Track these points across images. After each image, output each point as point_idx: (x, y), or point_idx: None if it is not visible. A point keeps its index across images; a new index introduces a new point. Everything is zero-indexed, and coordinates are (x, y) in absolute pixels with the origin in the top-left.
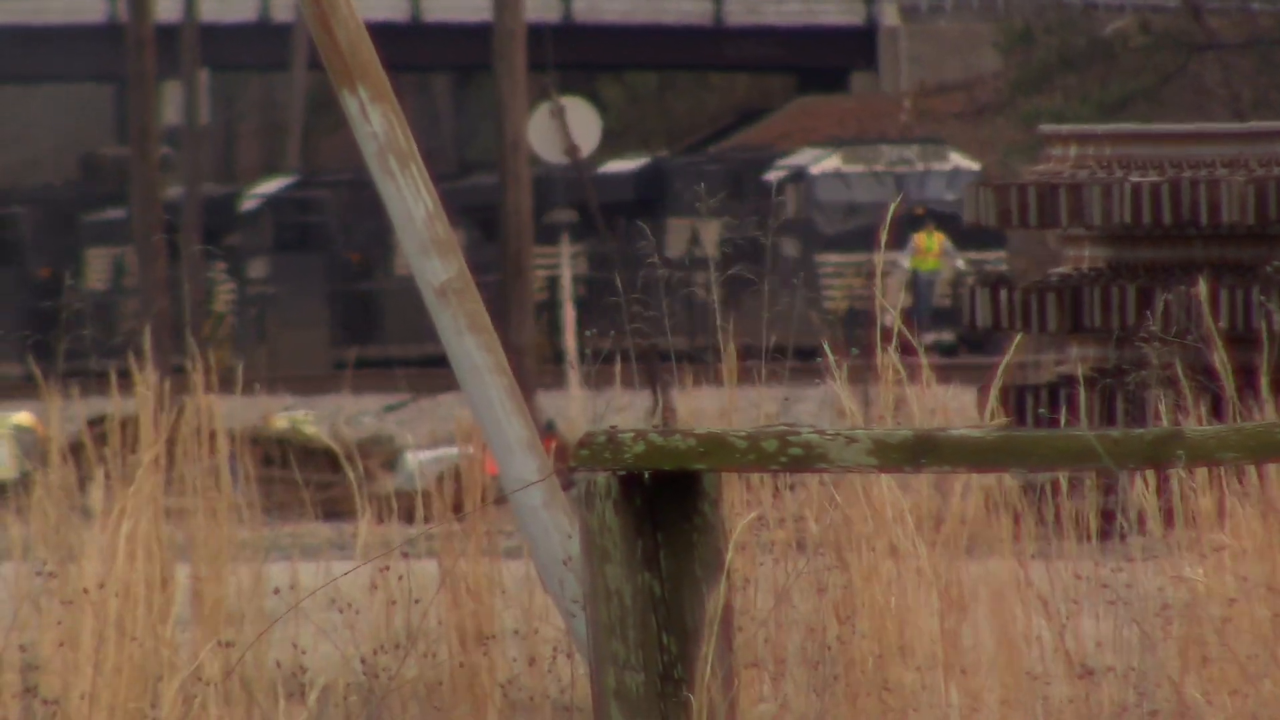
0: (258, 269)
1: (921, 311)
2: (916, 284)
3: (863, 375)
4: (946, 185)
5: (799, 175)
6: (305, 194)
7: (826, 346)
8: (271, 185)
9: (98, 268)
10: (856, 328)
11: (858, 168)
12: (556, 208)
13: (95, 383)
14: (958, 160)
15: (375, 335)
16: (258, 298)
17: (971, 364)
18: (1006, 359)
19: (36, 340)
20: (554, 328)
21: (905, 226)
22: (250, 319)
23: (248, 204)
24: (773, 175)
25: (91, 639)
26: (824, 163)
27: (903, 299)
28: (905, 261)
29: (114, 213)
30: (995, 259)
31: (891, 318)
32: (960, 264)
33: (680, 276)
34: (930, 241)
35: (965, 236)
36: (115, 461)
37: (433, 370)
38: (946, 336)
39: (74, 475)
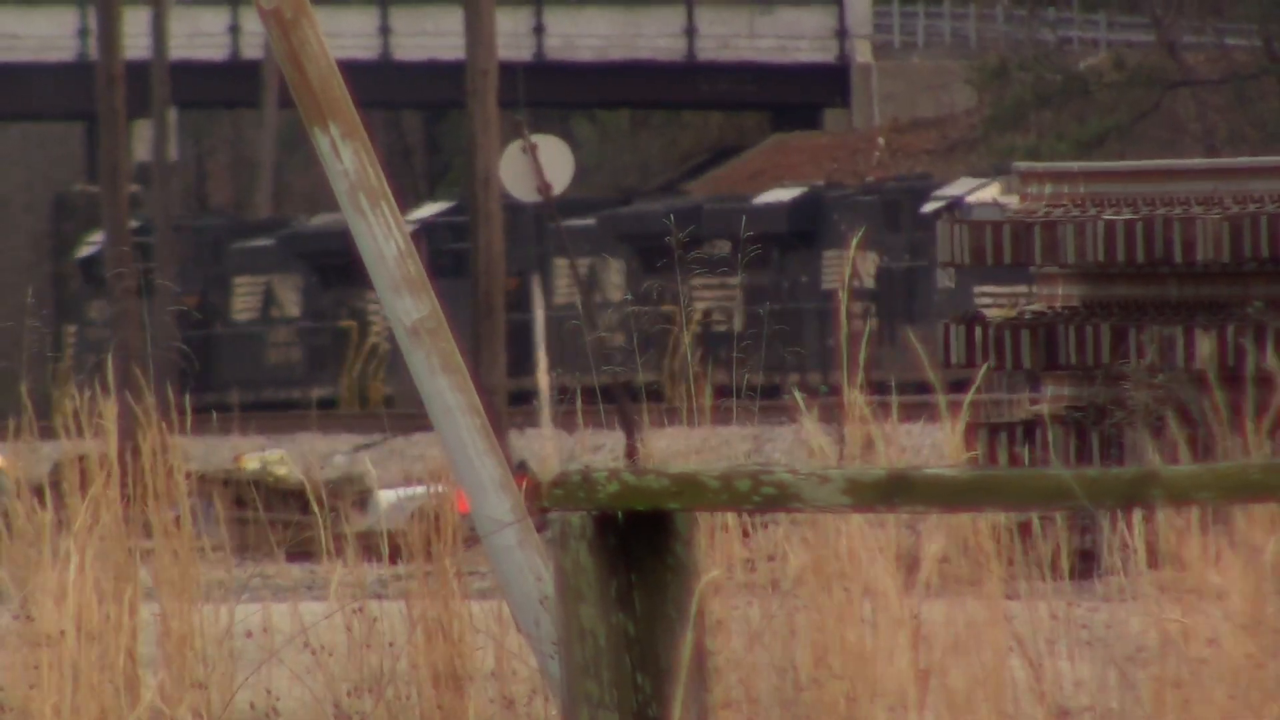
0: None
1: None
2: None
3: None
4: None
5: (956, 205)
6: (459, 219)
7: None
8: (426, 211)
9: (243, 296)
10: None
11: (1015, 198)
12: (712, 239)
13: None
14: None
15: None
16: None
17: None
18: (969, 397)
19: (181, 373)
20: (707, 362)
21: None
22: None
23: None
24: (929, 206)
25: (60, 680)
26: (981, 192)
27: None
28: None
29: (261, 241)
30: None
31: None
32: None
33: (833, 309)
34: None
35: None
36: (75, 501)
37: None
38: None
39: (44, 516)
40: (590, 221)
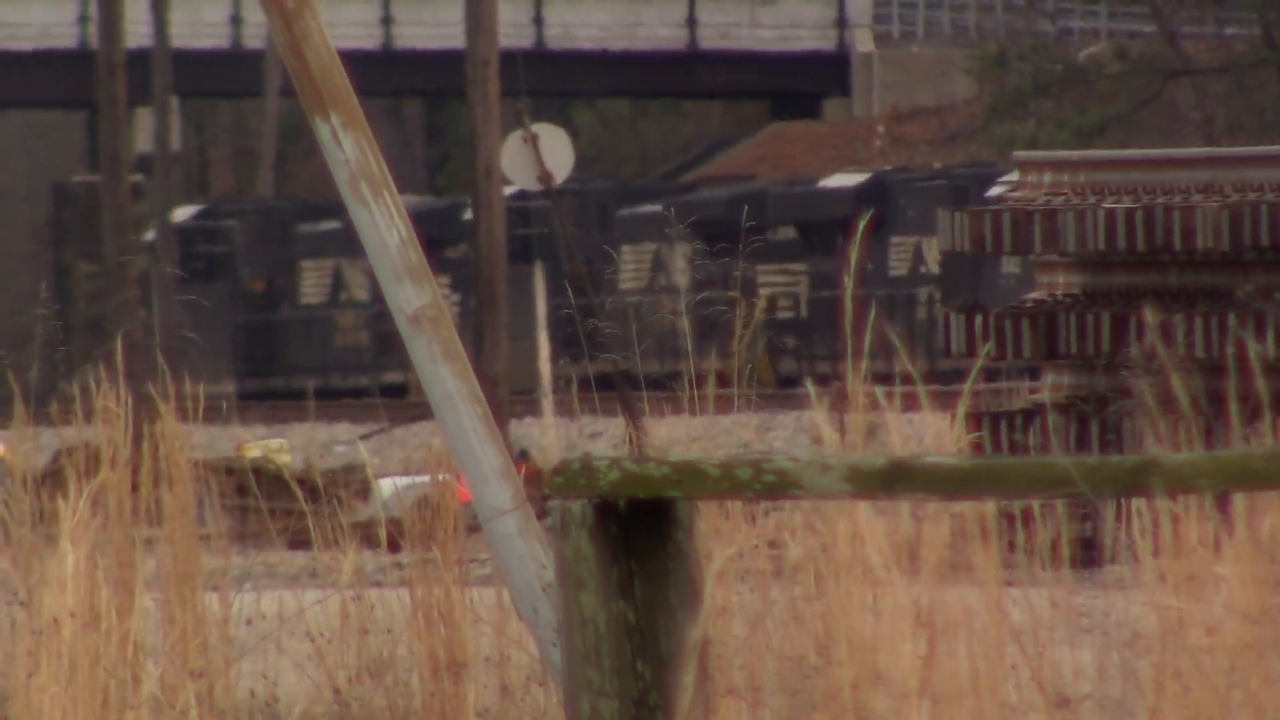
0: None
1: None
2: None
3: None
4: None
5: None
6: (526, 204)
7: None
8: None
9: (311, 280)
10: None
11: None
12: (778, 225)
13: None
14: None
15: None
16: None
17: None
18: (968, 386)
19: (249, 356)
20: (773, 349)
21: None
22: (468, 329)
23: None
24: (996, 190)
25: (60, 669)
26: None
27: None
28: None
29: (329, 224)
30: None
31: None
32: None
33: (906, 295)
34: None
35: None
36: (82, 488)
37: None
38: None
39: (42, 503)
40: (655, 207)
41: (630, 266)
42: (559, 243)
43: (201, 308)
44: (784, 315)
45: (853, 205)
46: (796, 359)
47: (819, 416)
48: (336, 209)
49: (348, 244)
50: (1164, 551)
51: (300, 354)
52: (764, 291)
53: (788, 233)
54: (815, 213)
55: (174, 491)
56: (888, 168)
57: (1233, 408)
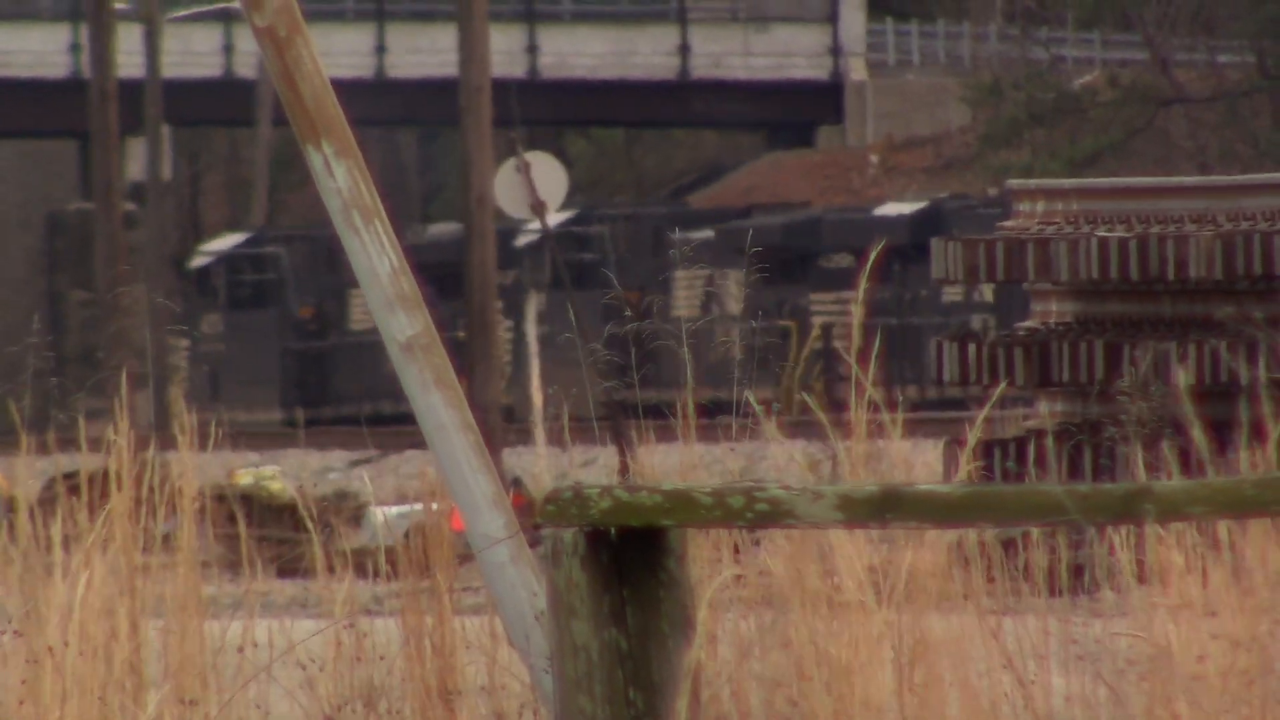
0: (539, 302)
1: None
2: None
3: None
4: None
5: None
6: (583, 229)
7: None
8: (557, 219)
9: (361, 307)
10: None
11: None
12: (833, 252)
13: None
14: None
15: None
16: (539, 335)
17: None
18: (984, 413)
19: (298, 383)
20: (829, 375)
21: None
22: (531, 354)
23: (524, 239)
24: None
25: (54, 697)
26: None
27: None
28: None
29: None
30: None
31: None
32: None
33: (960, 323)
34: None
35: None
36: (82, 516)
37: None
38: None
39: (36, 530)
40: (709, 233)
41: (683, 292)
42: (610, 268)
43: (249, 335)
44: (838, 343)
45: (908, 232)
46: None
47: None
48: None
49: None
50: (1151, 578)
51: (349, 381)
52: (817, 319)
53: (842, 260)
54: (870, 240)
55: (178, 519)
56: (944, 194)
57: (1226, 435)
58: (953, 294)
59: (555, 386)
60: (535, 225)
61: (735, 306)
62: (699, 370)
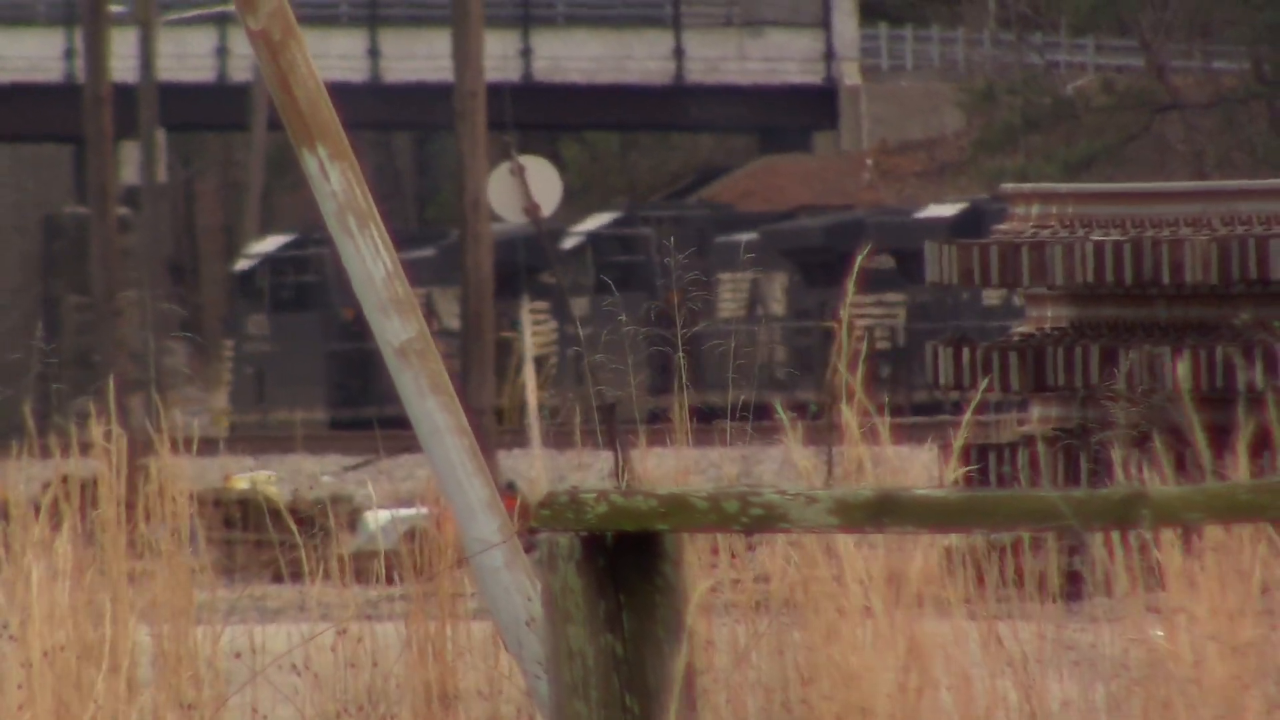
0: (580, 306)
1: None
2: None
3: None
4: None
5: None
6: (627, 231)
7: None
8: (591, 222)
9: None
10: None
11: None
12: (875, 254)
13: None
14: None
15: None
16: (577, 337)
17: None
18: (967, 418)
19: (341, 385)
20: (876, 379)
21: None
22: (575, 357)
23: (571, 240)
24: None
25: (51, 701)
26: None
27: None
28: None
29: (420, 252)
30: None
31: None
32: None
33: (998, 327)
34: None
35: None
36: (74, 521)
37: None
38: None
39: (35, 534)
40: (752, 235)
41: (728, 294)
42: (654, 270)
43: (293, 336)
44: (880, 346)
45: (949, 234)
46: (893, 391)
47: (795, 449)
48: (430, 236)
49: (440, 271)
50: (1142, 583)
51: (392, 382)
52: (860, 322)
53: (884, 262)
54: (913, 242)
55: (169, 524)
56: (984, 196)
57: (1223, 440)
58: (992, 296)
59: (598, 387)
60: (583, 227)
61: (778, 308)
62: (741, 373)
